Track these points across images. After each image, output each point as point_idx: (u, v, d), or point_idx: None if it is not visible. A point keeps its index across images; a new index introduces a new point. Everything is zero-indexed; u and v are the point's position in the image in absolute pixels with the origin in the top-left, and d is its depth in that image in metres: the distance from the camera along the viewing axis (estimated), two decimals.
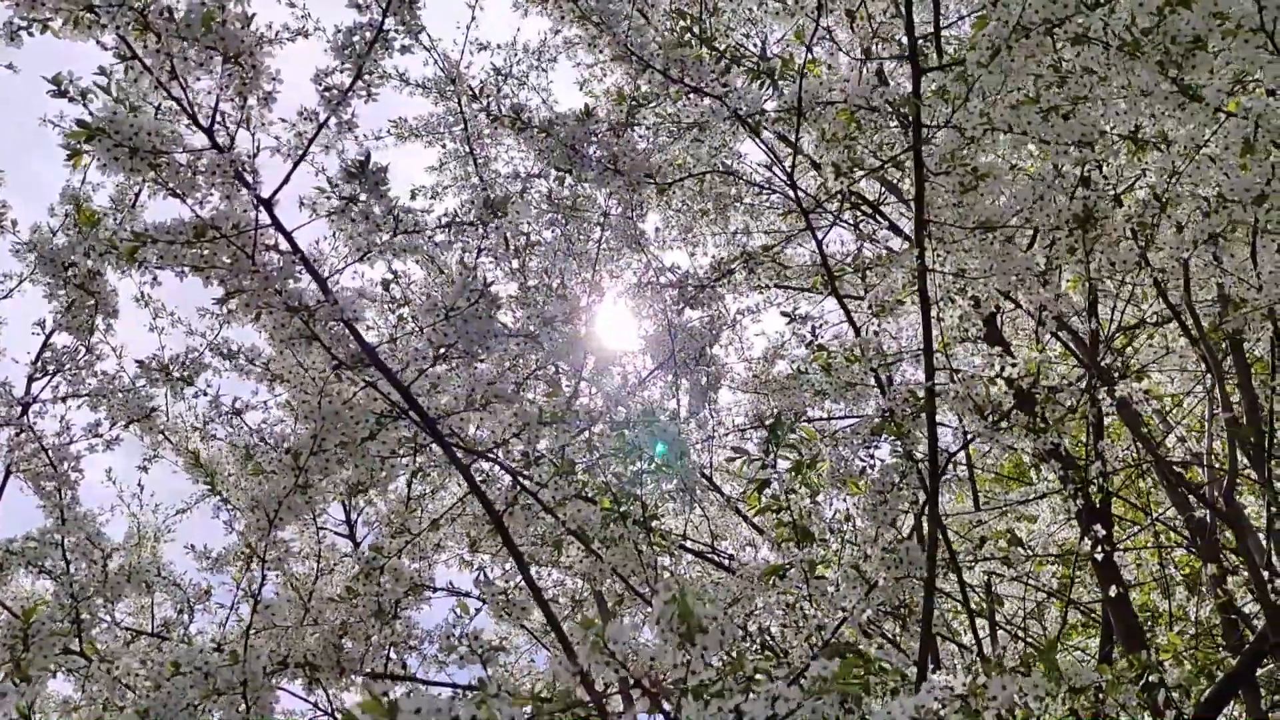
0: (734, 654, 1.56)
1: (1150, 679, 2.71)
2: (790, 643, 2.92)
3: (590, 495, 3.04)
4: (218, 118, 2.38)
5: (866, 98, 2.38)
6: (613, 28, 2.50)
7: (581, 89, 4.67)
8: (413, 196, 5.05)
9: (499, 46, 4.59)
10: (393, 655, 3.02)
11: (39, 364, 3.01)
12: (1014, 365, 2.32)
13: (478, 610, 2.84)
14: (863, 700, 1.46)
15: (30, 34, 2.90)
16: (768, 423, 2.43)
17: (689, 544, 4.47)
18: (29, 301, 3.01)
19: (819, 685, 1.33)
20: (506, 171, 4.69)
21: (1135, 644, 3.61)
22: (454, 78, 4.40)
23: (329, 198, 2.56)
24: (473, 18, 4.43)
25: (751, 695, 1.38)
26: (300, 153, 2.51)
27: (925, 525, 2.71)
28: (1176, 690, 2.93)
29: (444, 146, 4.90)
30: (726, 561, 4.32)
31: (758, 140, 2.53)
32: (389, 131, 4.81)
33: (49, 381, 2.99)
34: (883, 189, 4.72)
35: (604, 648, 1.27)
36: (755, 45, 4.14)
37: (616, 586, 3.10)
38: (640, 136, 3.36)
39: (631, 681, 1.38)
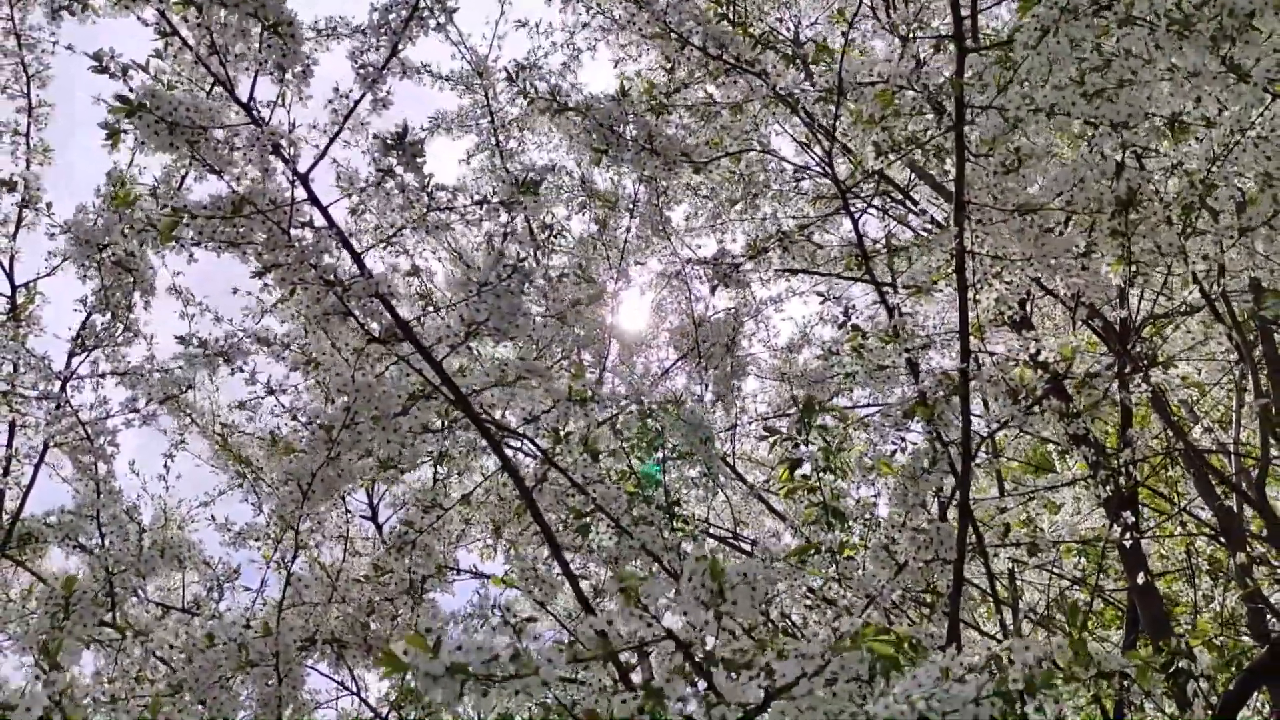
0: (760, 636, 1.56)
1: (1179, 666, 2.70)
2: (813, 627, 2.92)
3: (614, 481, 3.05)
4: (254, 94, 2.40)
5: (906, 78, 2.38)
6: (651, 5, 2.51)
7: (591, 52, 4.60)
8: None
9: (535, 25, 4.55)
10: None
11: (79, 340, 3.04)
12: (1050, 350, 2.32)
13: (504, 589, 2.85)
14: (891, 674, 1.46)
15: (71, 13, 2.90)
16: (800, 404, 2.43)
17: (712, 530, 4.48)
18: (73, 278, 3.03)
19: (845, 643, 1.32)
20: (533, 162, 4.66)
21: (1162, 633, 3.60)
22: (481, 70, 4.39)
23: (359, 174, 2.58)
24: (502, 12, 4.40)
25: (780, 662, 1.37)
26: (336, 129, 2.53)
27: (953, 510, 2.71)
28: (1204, 679, 2.92)
29: (473, 141, 4.87)
30: (749, 547, 4.32)
31: (800, 115, 2.52)
32: (421, 128, 4.79)
33: (87, 357, 3.02)
34: (912, 175, 4.71)
35: (638, 600, 1.27)
36: (789, 29, 4.13)
37: (639, 570, 3.11)
38: (670, 122, 3.35)
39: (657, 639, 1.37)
